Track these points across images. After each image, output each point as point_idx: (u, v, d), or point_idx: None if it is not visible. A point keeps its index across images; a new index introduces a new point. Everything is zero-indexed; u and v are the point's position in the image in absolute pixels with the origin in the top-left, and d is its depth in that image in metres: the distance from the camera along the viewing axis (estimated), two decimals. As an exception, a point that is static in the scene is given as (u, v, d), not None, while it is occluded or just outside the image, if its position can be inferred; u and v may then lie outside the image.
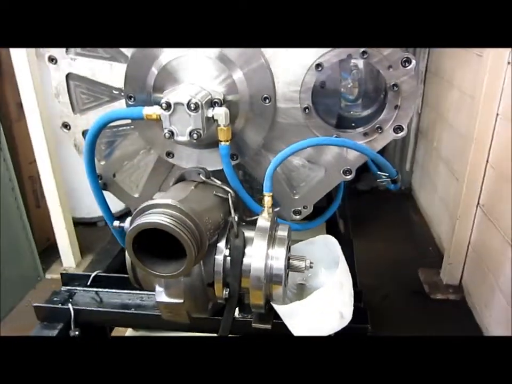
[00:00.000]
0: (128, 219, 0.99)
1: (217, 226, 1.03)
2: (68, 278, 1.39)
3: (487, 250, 2.66)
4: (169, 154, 1.29)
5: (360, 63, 1.44)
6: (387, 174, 1.22)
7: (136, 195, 1.41)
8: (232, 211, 1.05)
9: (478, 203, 2.77)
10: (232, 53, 1.16)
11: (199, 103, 1.06)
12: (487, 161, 2.63)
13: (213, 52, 1.17)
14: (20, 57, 2.85)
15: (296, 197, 1.32)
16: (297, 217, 1.33)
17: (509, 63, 2.40)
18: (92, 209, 4.04)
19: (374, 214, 4.01)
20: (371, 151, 1.16)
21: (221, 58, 1.17)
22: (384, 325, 2.70)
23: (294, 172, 1.32)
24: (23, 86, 2.95)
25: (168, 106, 1.07)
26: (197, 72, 1.18)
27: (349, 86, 1.54)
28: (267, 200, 1.11)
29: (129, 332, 1.88)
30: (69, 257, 3.51)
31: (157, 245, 0.96)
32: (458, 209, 2.84)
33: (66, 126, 1.38)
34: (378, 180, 1.25)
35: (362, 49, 1.13)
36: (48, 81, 1.39)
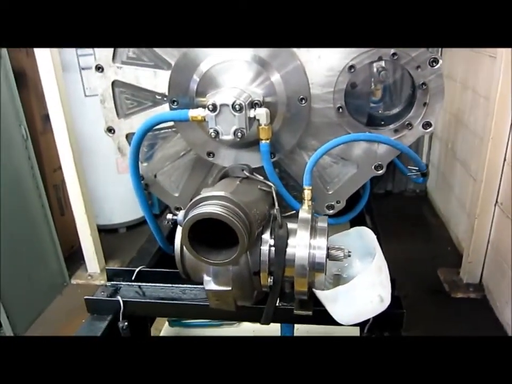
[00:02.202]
0: (182, 212, 1.06)
1: (263, 218, 1.10)
2: (113, 274, 1.46)
3: (506, 247, 2.71)
4: (209, 154, 1.38)
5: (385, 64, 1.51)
6: (417, 168, 1.29)
7: (176, 194, 1.49)
8: (276, 203, 1.13)
9: (496, 201, 2.82)
10: (267, 55, 1.24)
11: (243, 104, 1.14)
12: (505, 159, 2.68)
13: (250, 55, 1.25)
14: (46, 69, 2.98)
15: (330, 192, 1.40)
16: (331, 211, 1.41)
17: (523, 63, 2.46)
18: (113, 216, 4.15)
19: (391, 218, 4.06)
20: (403, 146, 1.24)
21: (257, 61, 1.25)
22: (407, 324, 2.76)
23: (327, 169, 1.39)
24: (50, 98, 3.08)
25: (214, 107, 1.15)
26: (236, 76, 1.26)
27: (372, 88, 1.62)
28: (307, 193, 1.19)
29: (164, 330, 1.96)
30: (93, 263, 3.61)
31: (205, 235, 1.04)
32: (477, 208, 2.89)
33: (110, 130, 1.47)
34: (408, 174, 1.31)
35: (392, 51, 1.20)
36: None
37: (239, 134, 1.16)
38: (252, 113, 1.18)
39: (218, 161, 1.38)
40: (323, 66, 1.26)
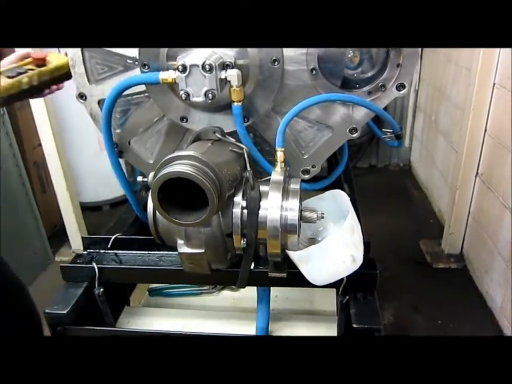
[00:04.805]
0: (151, 174, 1.05)
1: (234, 178, 1.09)
2: (89, 242, 1.45)
3: (486, 217, 2.74)
4: (183, 119, 1.35)
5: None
6: (391, 131, 1.29)
7: (151, 161, 1.47)
8: (248, 165, 1.12)
9: (477, 173, 2.84)
10: (241, 18, 1.22)
11: (213, 64, 1.12)
12: (485, 130, 2.70)
13: (222, 19, 1.22)
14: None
15: (305, 157, 1.39)
16: (306, 176, 1.40)
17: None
18: (97, 194, 4.12)
19: (374, 191, 4.08)
20: (376, 107, 1.23)
21: (230, 24, 1.23)
22: (390, 294, 2.80)
23: (302, 133, 1.38)
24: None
25: (184, 68, 1.13)
26: (208, 38, 1.24)
27: (349, 55, 1.60)
28: (279, 155, 1.18)
29: (144, 300, 1.96)
30: (77, 239, 3.58)
31: (178, 197, 1.03)
32: (458, 179, 2.91)
33: (82, 96, 1.44)
34: (383, 137, 1.31)
35: (365, 10, 1.18)
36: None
37: (210, 95, 1.14)
38: (223, 74, 1.17)
39: (191, 126, 1.36)
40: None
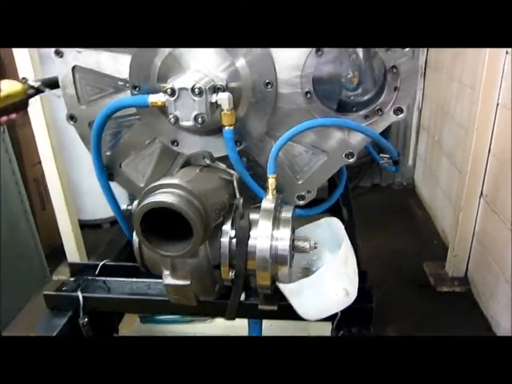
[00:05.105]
0: (136, 202, 1.01)
1: (222, 207, 1.05)
2: (77, 268, 1.41)
3: (491, 240, 2.67)
4: (174, 142, 1.32)
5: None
6: (388, 156, 1.24)
7: (142, 184, 1.43)
8: (237, 192, 1.07)
9: (481, 193, 2.78)
10: (233, 40, 1.19)
11: (203, 87, 1.08)
12: (489, 150, 2.64)
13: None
14: (22, 58, 2.88)
15: (300, 182, 1.34)
16: (301, 202, 1.35)
17: (507, 52, 2.41)
18: (97, 211, 4.07)
19: (378, 210, 4.02)
20: (372, 132, 1.18)
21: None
22: (391, 318, 2.73)
23: (296, 157, 1.33)
24: (28, 88, 2.98)
25: (173, 91, 1.09)
26: (199, 61, 1.20)
27: (349, 76, 1.56)
28: (271, 182, 1.14)
29: (135, 327, 1.90)
30: (75, 258, 3.53)
31: (164, 226, 0.99)
32: (462, 200, 2.85)
33: (72, 118, 1.41)
34: (380, 162, 1.26)
35: (361, 33, 1.15)
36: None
37: (199, 119, 1.11)
38: (213, 98, 1.13)
39: (183, 149, 1.32)
40: (290, 49, 1.20)
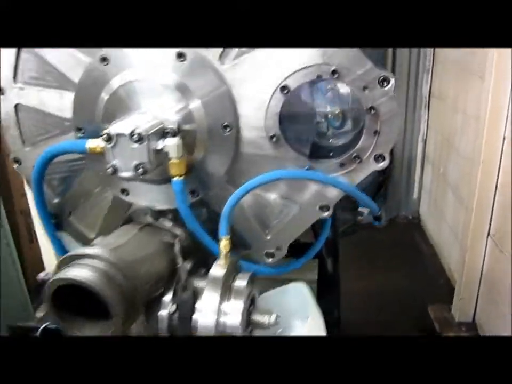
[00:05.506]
0: (49, 274, 0.84)
1: (160, 277, 0.87)
2: (16, 330, 1.24)
3: (499, 282, 2.45)
4: (124, 191, 1.16)
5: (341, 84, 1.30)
6: (368, 210, 1.07)
7: (92, 236, 1.27)
8: (180, 259, 0.90)
9: (489, 233, 2.57)
10: (190, 80, 1.04)
11: (143, 133, 0.92)
12: (496, 186, 2.45)
13: (172, 79, 1.05)
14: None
15: (269, 237, 1.16)
16: (270, 260, 1.17)
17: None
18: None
19: (380, 246, 3.81)
20: (346, 185, 1.01)
21: (177, 87, 1.05)
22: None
23: (267, 208, 1.16)
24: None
25: (109, 138, 0.94)
26: (149, 101, 1.05)
27: (337, 112, 1.40)
28: (223, 244, 0.96)
29: None
30: (60, 294, 3.38)
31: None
32: (468, 239, 2.65)
33: (17, 161, 1.26)
34: (359, 217, 1.09)
35: (332, 68, 0.99)
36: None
37: (140, 170, 0.94)
38: (159, 144, 0.97)
39: (134, 199, 1.15)
40: (254, 87, 1.05)
